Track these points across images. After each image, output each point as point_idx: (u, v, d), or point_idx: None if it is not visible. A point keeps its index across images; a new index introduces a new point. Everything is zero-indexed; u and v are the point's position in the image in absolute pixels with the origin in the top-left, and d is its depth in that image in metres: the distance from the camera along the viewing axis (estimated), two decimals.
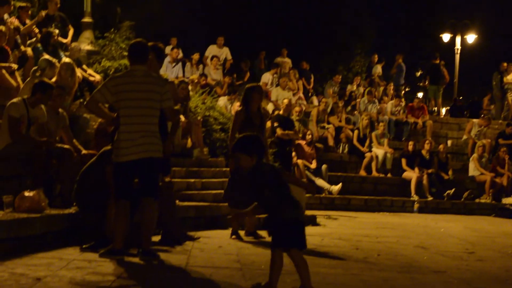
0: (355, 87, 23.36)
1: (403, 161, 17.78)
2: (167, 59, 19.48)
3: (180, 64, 20.34)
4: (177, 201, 8.79)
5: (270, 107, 18.41)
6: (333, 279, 6.25)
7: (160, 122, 6.58)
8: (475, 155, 18.85)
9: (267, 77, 20.62)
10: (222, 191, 10.00)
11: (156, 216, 7.13)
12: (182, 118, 11.33)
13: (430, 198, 17.03)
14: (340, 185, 16.01)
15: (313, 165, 16.04)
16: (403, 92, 25.54)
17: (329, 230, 11.82)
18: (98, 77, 12.33)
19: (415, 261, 8.05)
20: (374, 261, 7.85)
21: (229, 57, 22.12)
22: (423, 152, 18.21)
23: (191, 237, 8.24)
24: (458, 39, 33.68)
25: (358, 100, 21.97)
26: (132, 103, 6.18)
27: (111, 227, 6.75)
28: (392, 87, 23.49)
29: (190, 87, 14.30)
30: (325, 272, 6.67)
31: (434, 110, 25.55)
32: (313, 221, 12.12)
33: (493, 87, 25.72)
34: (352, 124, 19.79)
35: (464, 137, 21.16)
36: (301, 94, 21.35)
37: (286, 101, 17.04)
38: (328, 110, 19.88)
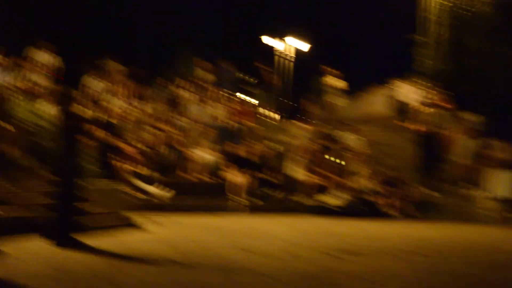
0: (182, 92, 27.76)
1: (230, 164, 21.99)
2: None
3: None
4: None
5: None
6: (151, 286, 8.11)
7: None
8: (299, 157, 23.56)
9: (96, 84, 23.55)
10: None
11: None
12: None
13: (257, 200, 21.34)
14: (171, 192, 19.88)
15: (144, 171, 19.70)
16: (232, 97, 29.81)
17: (153, 235, 14.03)
18: None
19: (236, 264, 10.10)
20: (195, 265, 9.95)
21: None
22: (251, 155, 22.65)
23: None
24: (291, 47, 41.10)
25: (185, 104, 26.43)
26: None
27: None
28: (220, 92, 28.48)
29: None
30: (145, 278, 8.57)
31: (264, 114, 30.42)
32: (136, 226, 14.56)
33: (316, 92, 31.30)
34: (179, 129, 23.67)
35: (290, 140, 25.69)
36: (131, 99, 24.53)
37: (115, 107, 20.95)
38: (157, 115, 23.96)
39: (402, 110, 29.44)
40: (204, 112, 26.00)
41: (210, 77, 29.59)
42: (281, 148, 25.68)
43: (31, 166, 14.36)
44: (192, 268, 9.42)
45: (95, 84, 23.79)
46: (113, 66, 26.01)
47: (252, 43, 45.91)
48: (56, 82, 21.05)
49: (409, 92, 30.09)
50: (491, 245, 14.98)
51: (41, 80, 22.42)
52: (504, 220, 22.98)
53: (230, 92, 30.73)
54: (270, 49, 42.33)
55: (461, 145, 25.80)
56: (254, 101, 32.31)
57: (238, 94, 30.30)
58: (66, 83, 20.08)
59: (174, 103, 26.40)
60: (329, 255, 11.53)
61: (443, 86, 30.41)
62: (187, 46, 42.18)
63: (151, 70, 33.98)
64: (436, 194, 24.66)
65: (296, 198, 22.71)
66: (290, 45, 42.37)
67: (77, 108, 11.77)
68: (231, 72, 30.37)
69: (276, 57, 41.51)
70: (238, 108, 27.66)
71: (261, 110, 31.35)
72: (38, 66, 23.60)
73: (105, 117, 20.98)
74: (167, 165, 22.03)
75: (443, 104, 28.20)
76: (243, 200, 21.11)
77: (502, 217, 23.51)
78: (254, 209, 20.93)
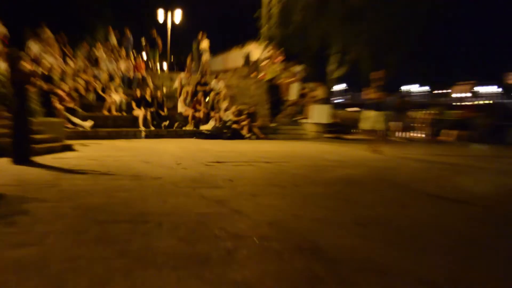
0: (100, 52, 27.01)
1: (133, 103, 22.32)
2: None
3: None
4: None
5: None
6: (84, 188, 7.80)
7: None
8: (181, 97, 23.84)
9: (36, 46, 23.24)
10: None
11: None
12: None
13: (152, 128, 21.67)
14: (91, 122, 19.99)
15: (71, 105, 19.59)
16: (132, 54, 29.22)
17: (82, 153, 13.74)
18: None
19: (141, 172, 9.97)
20: (113, 173, 9.73)
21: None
22: (147, 96, 22.73)
23: None
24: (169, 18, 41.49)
25: (101, 61, 26.28)
26: None
27: None
28: (124, 52, 28.17)
29: None
30: (80, 183, 8.44)
31: (153, 67, 30.89)
32: (70, 148, 14.38)
33: (193, 51, 30.88)
34: (97, 78, 23.80)
35: (175, 85, 26.07)
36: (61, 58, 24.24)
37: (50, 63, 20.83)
38: (81, 69, 23.93)
39: (253, 64, 29.90)
40: (114, 66, 25.53)
41: (117, 41, 28.87)
42: (168, 92, 25.93)
43: None
44: (110, 175, 9.35)
45: (35, 47, 23.30)
46: (48, 33, 25.05)
47: (150, 16, 44.18)
48: (6, 46, 21.58)
49: (256, 51, 30.52)
50: (312, 154, 15.42)
51: None
52: (320, 137, 23.79)
53: (132, 52, 29.80)
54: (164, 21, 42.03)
55: (292, 88, 26.43)
56: (148, 58, 30.97)
57: (139, 54, 29.69)
58: (13, 46, 20.61)
59: (94, 61, 25.89)
60: (202, 164, 11.72)
61: (278, 47, 30.61)
62: (105, 19, 41.41)
63: (79, 36, 32.58)
64: (277, 122, 24.79)
65: (180, 126, 22.96)
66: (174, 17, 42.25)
67: (22, 64, 11.85)
68: (130, 39, 29.42)
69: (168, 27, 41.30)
70: (137, 63, 27.47)
71: (152, 64, 31.18)
72: None
73: (44, 71, 20.56)
74: (89, 105, 21.82)
75: (278, 59, 28.79)
76: (143, 128, 21.22)
77: (319, 135, 24.26)
78: (150, 135, 21.21)
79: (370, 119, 15.89)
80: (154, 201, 6.83)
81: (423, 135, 29.62)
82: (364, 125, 16.40)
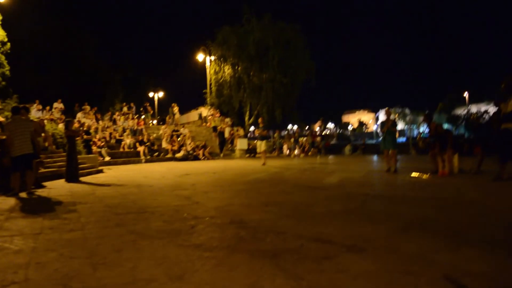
0: (116, 116, 26.53)
1: (137, 143, 20.80)
2: (34, 108, 21.00)
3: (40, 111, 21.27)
4: (41, 168, 9.72)
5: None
6: (109, 194, 7.90)
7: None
8: (164, 139, 22.76)
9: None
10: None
11: (33, 177, 8.22)
12: (43, 134, 12.45)
13: (148, 157, 20.37)
14: (109, 157, 19.17)
15: (104, 149, 18.45)
16: (135, 116, 28.59)
17: (108, 174, 13.40)
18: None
19: (141, 183, 9.83)
20: (126, 184, 9.63)
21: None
22: (144, 139, 21.43)
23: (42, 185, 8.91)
24: (156, 95, 42.47)
25: (119, 120, 25.91)
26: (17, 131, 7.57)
27: (13, 183, 7.61)
28: (131, 115, 27.41)
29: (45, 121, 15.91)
30: (106, 191, 8.83)
31: (148, 123, 30.06)
32: (101, 171, 13.69)
33: (169, 113, 31.57)
34: (116, 131, 22.68)
35: (160, 132, 24.98)
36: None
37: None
38: (106, 125, 23.33)
39: (203, 118, 29.91)
40: (125, 123, 24.66)
41: (127, 109, 28.20)
42: (157, 135, 24.78)
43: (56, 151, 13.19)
44: (124, 186, 9.00)
45: (80, 115, 22.89)
46: (87, 107, 24.39)
47: (144, 94, 44.04)
48: (63, 114, 21.73)
49: (205, 111, 30.61)
50: (238, 166, 15.10)
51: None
52: (243, 157, 23.69)
53: (138, 115, 29.25)
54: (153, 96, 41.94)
55: (226, 130, 26.36)
56: (146, 118, 30.13)
57: (140, 116, 29.44)
58: (67, 115, 19.97)
59: (113, 120, 24.82)
60: (178, 176, 11.42)
61: (216, 108, 30.85)
62: (119, 97, 41.20)
63: (104, 107, 31.83)
64: (220, 149, 24.53)
65: (164, 155, 21.98)
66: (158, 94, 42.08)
67: (72, 125, 11.30)
68: (134, 107, 29.11)
69: (155, 100, 41.04)
70: (138, 121, 26.39)
71: (148, 121, 30.10)
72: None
73: (85, 128, 19.43)
74: (112, 146, 20.53)
75: (217, 115, 28.82)
76: (143, 157, 20.29)
77: (242, 156, 24.15)
78: (147, 161, 20.23)
79: (260, 145, 16.21)
80: (149, 200, 6.64)
81: (302, 153, 29.91)
82: (259, 149, 16.66)
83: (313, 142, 29.72)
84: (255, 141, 18.18)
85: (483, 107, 46.37)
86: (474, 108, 57.34)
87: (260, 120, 16.84)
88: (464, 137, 29.16)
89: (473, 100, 69.59)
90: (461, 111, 64.10)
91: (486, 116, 42.60)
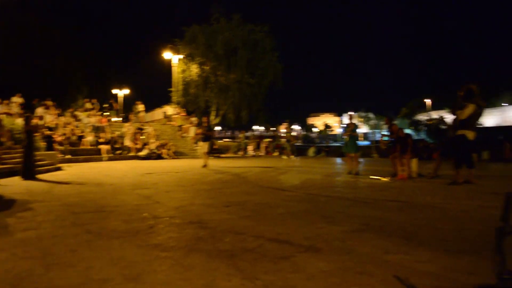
0: (78, 112, 25.31)
1: (100, 140, 20.48)
2: None
3: None
4: None
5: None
6: (67, 192, 7.66)
7: None
8: (127, 136, 22.35)
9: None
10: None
11: None
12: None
13: (111, 155, 20.19)
14: (69, 155, 19.56)
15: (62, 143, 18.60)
16: (99, 113, 27.24)
17: (68, 172, 13.00)
18: None
19: (102, 181, 9.59)
20: (85, 182, 9.43)
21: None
22: (108, 136, 21.18)
23: None
24: (120, 92, 41.75)
25: (80, 117, 24.93)
26: None
27: None
28: (93, 112, 26.27)
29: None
30: (64, 189, 8.89)
31: (111, 120, 29.06)
32: (60, 169, 13.39)
33: (134, 110, 31.43)
34: (78, 127, 22.13)
35: (123, 130, 24.19)
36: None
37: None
38: (68, 122, 21.92)
39: (169, 116, 29.69)
40: (88, 120, 23.96)
41: (90, 105, 27.46)
42: (120, 133, 24.25)
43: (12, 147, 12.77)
44: (84, 184, 8.82)
45: (41, 110, 21.89)
46: (49, 102, 23.70)
47: (109, 90, 43.16)
48: (22, 109, 20.91)
49: (170, 109, 30.40)
50: (195, 166, 15.05)
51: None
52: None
53: (101, 112, 28.39)
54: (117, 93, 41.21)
55: (191, 129, 26.22)
56: (110, 115, 29.49)
57: (103, 112, 28.79)
58: (27, 109, 19.52)
59: (76, 117, 23.92)
60: (140, 175, 11.33)
61: (182, 107, 30.67)
62: (83, 92, 40.19)
63: (67, 103, 30.91)
64: (185, 148, 24.30)
65: (127, 153, 21.63)
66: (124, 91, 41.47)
67: (31, 120, 11.07)
68: (97, 104, 28.33)
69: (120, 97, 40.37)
70: (102, 118, 25.83)
71: (112, 118, 29.40)
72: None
73: (46, 124, 19.44)
74: (74, 143, 19.92)
75: (182, 114, 28.63)
76: (105, 155, 19.97)
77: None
78: (109, 159, 19.91)
79: (202, 146, 15.32)
80: (109, 199, 6.55)
81: (265, 152, 30.05)
82: (200, 150, 16.27)
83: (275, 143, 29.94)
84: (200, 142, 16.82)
85: (443, 114, 47.71)
86: (435, 115, 58.97)
87: (204, 119, 16.01)
88: (425, 142, 29.92)
89: (435, 107, 71.73)
90: (422, 117, 65.89)
91: (441, 124, 44.02)
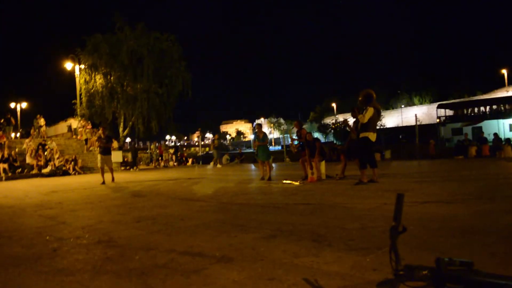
0: None
1: None
2: None
3: None
4: None
5: None
6: None
7: None
8: (28, 153, 21.25)
9: None
10: None
11: None
12: None
13: (9, 174, 18.88)
14: None
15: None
16: None
17: None
18: None
19: (1, 205, 9.51)
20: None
21: None
22: (5, 154, 19.62)
23: None
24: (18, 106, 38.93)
25: None
26: None
27: None
28: None
29: None
30: None
31: (9, 136, 26.87)
32: None
33: (34, 125, 28.79)
34: None
35: (23, 146, 22.72)
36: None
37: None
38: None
39: (74, 130, 28.39)
40: None
41: None
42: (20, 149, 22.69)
43: None
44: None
45: None
46: None
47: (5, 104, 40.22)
48: None
49: (75, 123, 29.04)
50: (116, 181, 14.45)
51: None
52: (118, 169, 22.72)
53: None
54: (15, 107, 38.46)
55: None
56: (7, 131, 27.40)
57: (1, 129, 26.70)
58: None
59: None
60: (44, 194, 10.70)
61: (87, 119, 29.46)
62: None
63: None
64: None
65: (28, 171, 20.31)
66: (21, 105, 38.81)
67: None
68: None
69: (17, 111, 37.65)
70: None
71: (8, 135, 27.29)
72: None
73: None
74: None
75: (88, 127, 27.47)
76: (3, 174, 18.62)
77: (117, 168, 23.16)
78: (8, 179, 18.59)
79: (101, 159, 13.60)
80: (7, 223, 6.09)
81: (175, 163, 29.71)
82: (99, 164, 13.80)
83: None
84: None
85: (347, 117, 50.67)
86: (341, 118, 62.18)
87: (100, 130, 14.37)
88: (333, 144, 31.43)
89: (340, 110, 75.67)
90: (329, 120, 69.15)
91: (344, 126, 46.51)
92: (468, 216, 4.87)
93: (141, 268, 3.25)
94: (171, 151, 32.77)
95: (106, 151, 13.49)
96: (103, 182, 12.94)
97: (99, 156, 13.63)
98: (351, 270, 2.95)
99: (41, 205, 8.15)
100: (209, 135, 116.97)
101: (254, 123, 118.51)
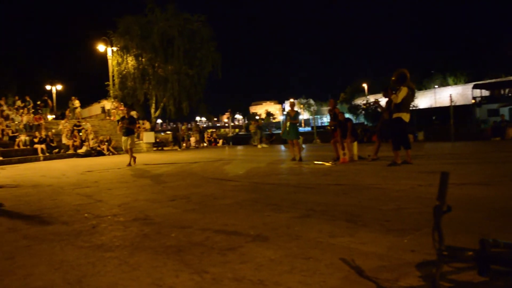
0: (9, 111, 23.64)
1: (35, 140, 19.56)
2: None
3: None
4: None
5: None
6: (5, 196, 7.64)
7: None
8: (64, 134, 21.81)
9: None
10: None
11: None
12: None
13: (47, 154, 19.30)
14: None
15: None
16: (31, 111, 26.55)
17: (2, 174, 12.54)
18: None
19: (39, 182, 9.22)
20: (20, 185, 8.96)
21: None
22: (42, 135, 19.93)
23: None
24: (54, 88, 39.79)
25: (10, 115, 23.18)
26: None
27: None
28: (26, 110, 25.52)
29: None
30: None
31: (45, 118, 27.63)
32: None
33: (70, 107, 30.69)
34: (9, 127, 20.79)
35: (59, 127, 23.44)
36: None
37: None
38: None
39: (107, 111, 28.90)
40: (19, 119, 22.80)
41: (21, 103, 26.20)
42: (56, 130, 23.29)
43: None
44: (19, 186, 8.38)
45: None
46: None
47: (41, 87, 41.25)
48: None
49: (108, 104, 29.55)
50: (149, 161, 14.68)
51: None
52: (150, 150, 23.10)
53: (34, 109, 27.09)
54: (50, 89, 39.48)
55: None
56: (43, 113, 28.17)
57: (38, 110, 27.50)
58: None
59: (6, 116, 22.61)
60: (80, 173, 10.95)
61: (120, 101, 29.93)
62: (12, 89, 38.05)
63: None
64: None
65: (64, 151, 20.87)
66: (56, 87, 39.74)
67: None
68: (30, 101, 27.18)
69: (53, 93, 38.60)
70: (35, 116, 24.58)
71: (45, 116, 28.04)
72: None
73: None
74: (5, 143, 19.34)
75: (121, 108, 27.90)
76: (41, 154, 19.24)
77: (149, 149, 23.56)
78: (46, 159, 19.17)
79: (125, 141, 12.99)
80: (47, 200, 6.23)
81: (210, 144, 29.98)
82: (124, 146, 13.44)
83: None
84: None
85: (379, 98, 49.68)
86: (372, 98, 61.06)
87: (123, 109, 13.66)
88: (364, 125, 30.94)
89: (371, 91, 74.29)
90: (360, 101, 68.05)
91: (376, 107, 45.72)
92: (508, 198, 4.73)
93: (177, 246, 3.30)
94: (209, 131, 33.13)
95: (129, 131, 12.90)
96: (130, 164, 12.82)
97: (122, 138, 13.12)
98: (389, 251, 2.91)
99: (78, 184, 8.37)
100: (238, 116, 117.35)
101: (284, 104, 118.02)
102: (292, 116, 11.81)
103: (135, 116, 26.34)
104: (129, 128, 12.85)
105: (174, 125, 29.14)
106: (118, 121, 13.35)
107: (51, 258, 3.13)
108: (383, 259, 2.73)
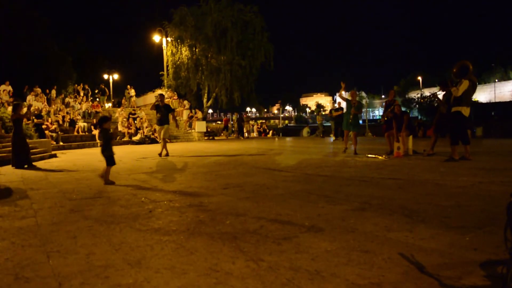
0: (69, 98, 25.80)
1: (92, 127, 20.41)
2: None
3: None
4: None
5: None
6: (62, 179, 7.71)
7: None
8: (120, 122, 22.10)
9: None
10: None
11: None
12: None
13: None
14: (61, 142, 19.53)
15: (56, 133, 17.91)
16: (90, 99, 28.29)
17: (62, 159, 12.80)
18: None
19: (97, 167, 9.29)
20: (80, 169, 9.51)
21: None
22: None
23: None
24: (111, 77, 41.33)
25: (70, 103, 25.02)
26: None
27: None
28: (85, 98, 26.69)
29: None
30: (60, 176, 8.65)
31: (103, 106, 29.04)
32: (55, 156, 13.21)
33: (126, 95, 32.43)
34: (69, 114, 22.07)
35: (116, 115, 24.12)
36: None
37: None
38: (59, 109, 21.99)
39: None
40: (79, 106, 23.78)
41: (81, 91, 27.26)
42: (113, 118, 24.02)
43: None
44: (79, 170, 8.74)
45: (30, 97, 21.74)
46: (38, 90, 23.43)
47: (98, 75, 42.81)
48: (11, 97, 20.72)
49: (163, 93, 30.17)
50: (196, 149, 14.89)
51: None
52: (202, 139, 23.44)
53: (91, 97, 28.13)
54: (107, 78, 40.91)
55: (184, 113, 26.08)
56: (101, 101, 29.27)
57: (96, 98, 28.56)
58: (15, 97, 19.19)
59: (66, 104, 23.71)
60: (135, 159, 11.27)
61: (174, 90, 30.53)
62: (72, 78, 39.73)
63: (57, 90, 30.21)
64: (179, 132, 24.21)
65: (120, 138, 21.50)
66: (113, 76, 41.18)
67: (21, 108, 10.41)
68: (89, 90, 28.24)
69: (110, 82, 39.98)
70: (93, 104, 25.54)
71: (102, 104, 29.08)
72: None
73: (36, 112, 18.60)
74: (65, 129, 19.87)
75: (175, 97, 28.47)
76: (98, 140, 19.72)
77: (201, 138, 23.91)
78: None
79: (159, 131, 12.65)
80: (105, 184, 6.40)
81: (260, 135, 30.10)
82: (158, 136, 13.56)
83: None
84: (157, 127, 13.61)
85: (435, 91, 47.99)
86: (426, 92, 59.05)
87: (158, 99, 12.76)
88: (418, 119, 29.97)
89: (426, 84, 71.76)
90: (414, 95, 65.98)
91: (432, 100, 44.06)
92: None
93: (232, 233, 3.31)
94: (252, 122, 33.15)
95: (162, 121, 12.30)
96: (161, 154, 12.16)
97: (157, 127, 12.30)
98: (450, 248, 2.79)
99: (134, 170, 8.63)
100: (288, 108, 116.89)
101: (335, 96, 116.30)
102: (356, 106, 11.15)
103: (186, 106, 26.92)
104: (164, 117, 12.25)
105: (239, 115, 29.34)
106: (151, 108, 12.70)
107: (111, 239, 3.23)
108: (444, 256, 2.62)
